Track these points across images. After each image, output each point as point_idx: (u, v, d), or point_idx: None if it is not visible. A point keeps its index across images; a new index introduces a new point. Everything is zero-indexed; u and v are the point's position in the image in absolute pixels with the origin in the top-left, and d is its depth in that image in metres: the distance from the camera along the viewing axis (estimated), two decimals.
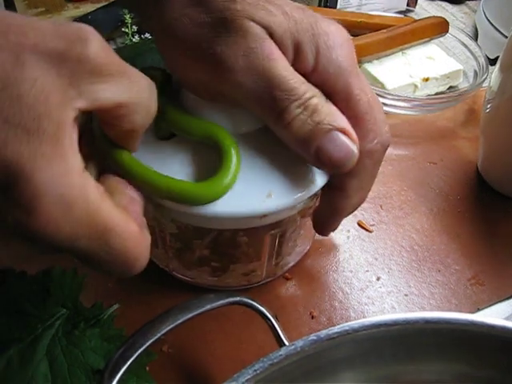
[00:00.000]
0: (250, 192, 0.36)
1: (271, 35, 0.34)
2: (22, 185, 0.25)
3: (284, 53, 0.34)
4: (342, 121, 0.34)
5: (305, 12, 0.35)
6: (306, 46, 0.34)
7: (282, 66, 0.33)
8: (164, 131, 0.38)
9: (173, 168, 0.36)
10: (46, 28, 0.26)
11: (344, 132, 0.34)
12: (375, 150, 0.36)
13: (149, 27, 0.39)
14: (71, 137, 0.27)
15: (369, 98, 0.36)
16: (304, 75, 0.34)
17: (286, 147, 0.36)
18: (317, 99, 0.34)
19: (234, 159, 0.35)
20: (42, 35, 0.26)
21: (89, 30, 0.27)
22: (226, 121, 0.38)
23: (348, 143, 0.34)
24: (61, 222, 0.26)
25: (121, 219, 0.29)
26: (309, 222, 0.44)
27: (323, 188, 0.39)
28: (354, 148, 0.34)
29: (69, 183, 0.26)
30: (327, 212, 0.41)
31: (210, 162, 0.36)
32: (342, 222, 0.51)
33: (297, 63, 0.34)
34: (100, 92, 0.27)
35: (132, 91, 0.29)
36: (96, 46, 0.27)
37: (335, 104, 0.35)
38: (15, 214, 0.26)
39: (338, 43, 0.35)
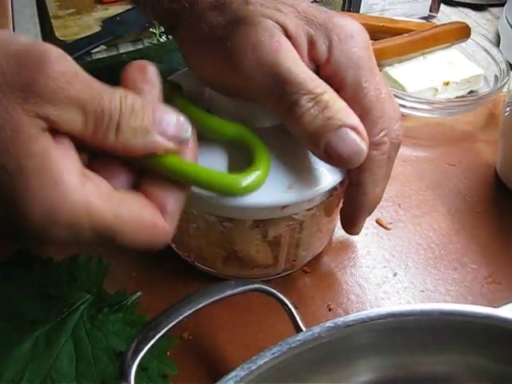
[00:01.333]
0: (272, 184, 0.38)
1: (284, 29, 0.35)
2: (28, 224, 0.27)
3: (297, 46, 0.35)
4: (353, 118, 0.35)
5: (318, 9, 0.36)
6: (318, 38, 0.35)
7: (291, 60, 0.34)
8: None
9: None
10: (6, 62, 0.27)
11: (354, 129, 0.34)
12: (382, 143, 0.37)
13: (172, 35, 0.40)
14: (57, 160, 0.27)
15: (379, 92, 0.36)
16: (318, 67, 0.36)
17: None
18: (328, 95, 0.34)
19: (266, 155, 0.36)
20: (2, 71, 0.27)
21: (52, 55, 0.28)
22: (246, 117, 0.39)
23: (357, 140, 0.34)
24: (67, 236, 0.28)
25: (130, 218, 0.30)
26: (328, 216, 0.45)
27: (343, 184, 0.41)
28: (363, 145, 0.34)
29: (67, 207, 0.27)
30: (349, 209, 0.42)
31: (239, 161, 0.37)
32: None
33: (310, 55, 0.35)
34: (66, 122, 0.28)
35: (98, 117, 0.29)
36: (58, 73, 0.27)
37: (345, 95, 0.35)
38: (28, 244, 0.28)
39: (350, 36, 0.36)
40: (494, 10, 0.87)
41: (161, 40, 0.70)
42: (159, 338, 0.35)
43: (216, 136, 0.38)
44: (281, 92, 0.34)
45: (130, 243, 0.30)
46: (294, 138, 0.38)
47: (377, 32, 0.69)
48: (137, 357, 0.33)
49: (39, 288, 0.42)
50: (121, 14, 0.77)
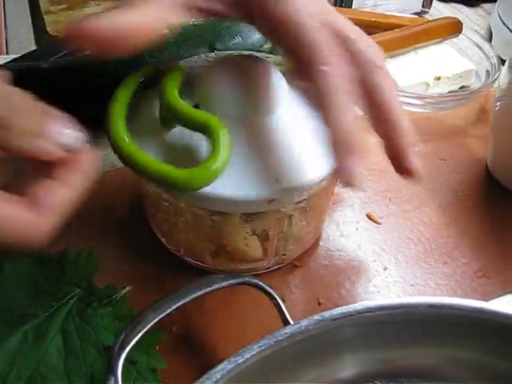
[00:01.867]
0: (259, 177, 0.38)
1: None
2: None
3: None
4: None
5: None
6: None
7: None
8: (168, 121, 0.39)
9: (172, 155, 0.38)
10: None
11: None
12: (326, 72, 0.35)
13: None
14: None
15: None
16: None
17: (295, 136, 0.38)
18: None
19: (224, 145, 0.35)
20: None
21: None
22: (235, 111, 0.39)
23: None
24: None
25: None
26: (317, 209, 0.45)
27: (331, 179, 0.41)
28: None
29: None
30: (338, 141, 0.36)
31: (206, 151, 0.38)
32: (352, 214, 0.52)
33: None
34: None
35: None
36: None
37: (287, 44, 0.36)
38: None
39: None
40: (487, 5, 0.87)
41: None
42: (148, 332, 0.35)
43: (183, 125, 0.38)
44: None
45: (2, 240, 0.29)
46: (282, 132, 0.38)
47: (369, 27, 0.69)
48: (124, 350, 0.33)
49: (28, 282, 0.42)
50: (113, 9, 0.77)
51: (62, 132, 0.30)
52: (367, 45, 0.38)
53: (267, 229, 0.42)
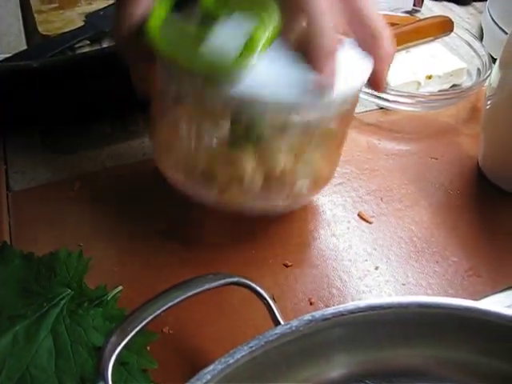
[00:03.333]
0: (294, 81, 0.38)
1: None
2: None
3: None
4: None
5: None
6: None
7: None
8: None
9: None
10: None
11: None
12: None
13: None
14: None
15: None
16: None
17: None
18: None
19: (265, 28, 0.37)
20: None
21: None
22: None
23: None
24: None
25: None
26: (334, 141, 0.46)
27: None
28: None
29: None
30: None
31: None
32: (343, 214, 0.52)
33: None
34: None
35: None
36: None
37: None
38: None
39: None
40: (478, 4, 0.87)
41: None
42: (139, 333, 0.34)
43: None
44: None
45: None
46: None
47: None
48: (114, 351, 0.33)
49: (19, 283, 0.42)
50: (104, 8, 0.77)
51: None
52: None
53: (275, 162, 0.42)
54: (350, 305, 0.34)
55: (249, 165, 0.42)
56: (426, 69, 0.66)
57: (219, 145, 0.43)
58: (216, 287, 0.37)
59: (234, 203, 0.46)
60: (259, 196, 0.45)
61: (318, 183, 0.48)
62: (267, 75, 0.38)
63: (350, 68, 0.41)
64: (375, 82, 0.44)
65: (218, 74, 0.37)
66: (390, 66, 0.44)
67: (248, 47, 0.36)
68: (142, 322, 0.34)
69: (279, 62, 0.39)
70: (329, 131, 0.44)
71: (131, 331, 0.34)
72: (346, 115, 0.45)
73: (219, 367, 0.31)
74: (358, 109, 0.64)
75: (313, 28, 0.38)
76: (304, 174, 0.45)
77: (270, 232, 0.51)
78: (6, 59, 0.66)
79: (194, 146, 0.44)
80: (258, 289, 0.38)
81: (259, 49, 0.36)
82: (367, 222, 0.53)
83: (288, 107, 0.40)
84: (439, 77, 0.66)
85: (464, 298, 0.46)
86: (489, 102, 0.54)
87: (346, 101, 0.43)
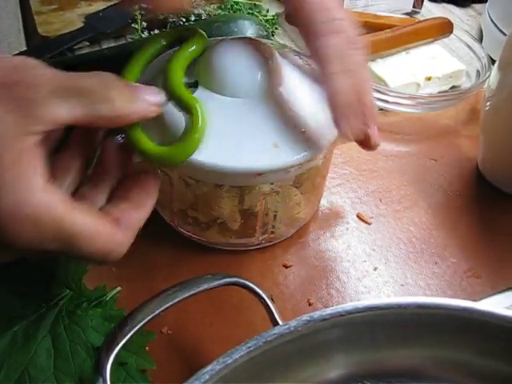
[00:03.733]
0: (250, 150, 0.39)
1: None
2: None
3: None
4: None
5: None
6: None
7: None
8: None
9: (163, 132, 0.39)
10: None
11: None
12: (340, 30, 0.38)
13: None
14: (31, 161, 0.30)
15: None
16: None
17: (290, 113, 0.40)
18: None
19: (198, 120, 0.38)
20: None
21: (31, 61, 0.31)
22: (235, 87, 0.41)
23: None
24: (30, 234, 0.30)
25: (89, 224, 0.32)
26: (308, 189, 0.46)
27: (323, 160, 0.43)
28: None
29: (33, 203, 0.30)
30: (328, 103, 0.39)
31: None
32: (342, 214, 0.52)
33: None
34: (52, 114, 0.30)
35: (83, 100, 0.32)
36: (40, 73, 0.31)
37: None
38: None
39: None
40: (477, 6, 0.87)
41: (143, 36, 0.70)
42: (137, 333, 0.35)
43: (176, 103, 0.39)
44: None
45: (87, 251, 0.32)
46: (277, 110, 0.41)
47: (360, 27, 0.69)
48: (112, 351, 0.33)
49: (18, 284, 0.42)
50: (104, 10, 0.77)
51: (151, 93, 0.35)
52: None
53: (255, 204, 0.43)
54: (349, 305, 0.34)
55: (228, 206, 0.44)
56: (426, 70, 0.66)
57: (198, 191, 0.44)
58: (215, 287, 0.37)
59: (215, 240, 0.48)
60: (238, 233, 0.47)
61: (298, 220, 0.49)
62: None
63: None
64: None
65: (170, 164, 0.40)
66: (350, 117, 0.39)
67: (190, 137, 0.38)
68: (140, 322, 0.35)
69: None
70: (310, 171, 0.44)
71: (130, 331, 0.34)
72: (318, 168, 0.46)
73: (217, 367, 0.31)
74: None
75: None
76: (283, 211, 0.46)
77: None
78: None
79: (173, 191, 0.45)
80: (257, 289, 0.38)
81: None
82: (366, 222, 0.53)
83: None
84: (438, 78, 0.66)
85: (463, 298, 0.46)
86: (488, 104, 0.54)
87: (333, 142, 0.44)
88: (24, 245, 0.31)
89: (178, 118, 0.39)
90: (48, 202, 0.31)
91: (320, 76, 0.38)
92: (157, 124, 0.39)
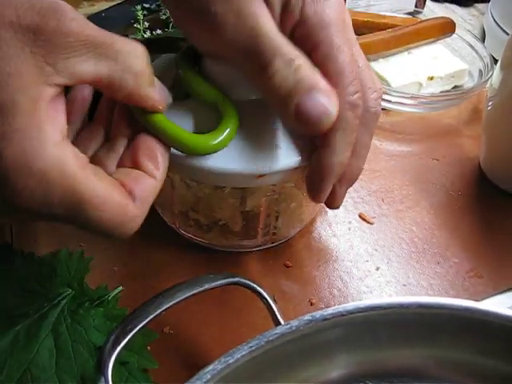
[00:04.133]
0: (252, 152, 0.39)
1: None
2: None
3: (271, 7, 0.35)
4: (324, 82, 0.35)
5: None
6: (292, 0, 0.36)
7: (269, 26, 0.35)
8: (179, 93, 0.40)
9: (183, 124, 0.38)
10: (21, 4, 0.28)
11: (323, 92, 0.34)
12: (355, 105, 0.36)
13: (165, 3, 0.41)
14: (48, 111, 0.28)
15: (352, 52, 0.37)
16: (292, 28, 0.36)
17: None
18: (302, 60, 0.35)
19: (233, 121, 0.38)
20: (16, 12, 0.27)
21: (63, 4, 0.29)
22: (236, 88, 0.40)
23: (326, 102, 0.34)
24: (35, 192, 0.28)
25: (101, 190, 0.30)
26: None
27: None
28: (332, 107, 0.34)
29: (43, 155, 0.28)
30: (316, 172, 0.39)
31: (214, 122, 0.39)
32: (344, 214, 0.52)
33: (284, 16, 0.36)
34: (77, 67, 0.29)
35: (111, 62, 0.30)
36: (70, 19, 0.28)
37: (319, 55, 0.36)
38: None
39: None
40: (480, 5, 0.87)
41: (145, 36, 0.70)
42: (139, 332, 0.35)
43: (199, 98, 0.40)
44: (257, 53, 0.34)
45: (96, 220, 0.30)
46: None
47: (362, 27, 0.69)
48: (114, 351, 0.33)
49: (20, 283, 0.42)
50: (106, 10, 0.77)
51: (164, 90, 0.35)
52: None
53: (256, 205, 0.43)
54: (350, 305, 0.34)
55: (230, 208, 0.44)
56: (428, 70, 0.66)
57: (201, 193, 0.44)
58: (217, 287, 0.37)
59: (216, 242, 0.48)
60: (240, 234, 0.47)
61: (300, 220, 0.49)
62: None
63: None
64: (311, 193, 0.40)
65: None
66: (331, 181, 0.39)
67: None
68: (142, 321, 0.34)
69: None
70: (297, 187, 0.44)
71: (131, 331, 0.34)
72: None
73: (219, 367, 0.31)
74: None
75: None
76: (285, 212, 0.46)
77: None
78: None
79: (174, 193, 0.45)
80: (259, 289, 0.38)
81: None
82: (368, 222, 0.53)
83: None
84: (441, 78, 0.66)
85: (465, 298, 0.46)
86: (490, 103, 0.54)
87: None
88: (26, 203, 0.28)
89: (202, 111, 0.39)
90: (61, 158, 0.28)
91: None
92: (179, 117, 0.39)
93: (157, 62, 0.44)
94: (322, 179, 0.39)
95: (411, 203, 0.55)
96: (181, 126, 0.37)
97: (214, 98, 0.39)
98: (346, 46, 0.36)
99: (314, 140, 0.39)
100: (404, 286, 0.48)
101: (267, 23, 0.35)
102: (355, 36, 0.38)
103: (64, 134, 0.29)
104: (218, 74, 0.40)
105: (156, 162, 0.35)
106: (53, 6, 0.28)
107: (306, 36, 0.36)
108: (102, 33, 0.30)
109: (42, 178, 0.28)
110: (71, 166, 0.29)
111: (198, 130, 0.38)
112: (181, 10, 0.37)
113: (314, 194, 0.40)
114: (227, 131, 0.37)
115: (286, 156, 0.40)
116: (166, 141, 0.36)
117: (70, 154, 0.29)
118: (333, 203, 0.42)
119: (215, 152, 0.37)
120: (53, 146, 0.28)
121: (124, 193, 0.32)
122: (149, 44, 0.40)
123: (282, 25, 0.36)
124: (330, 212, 0.53)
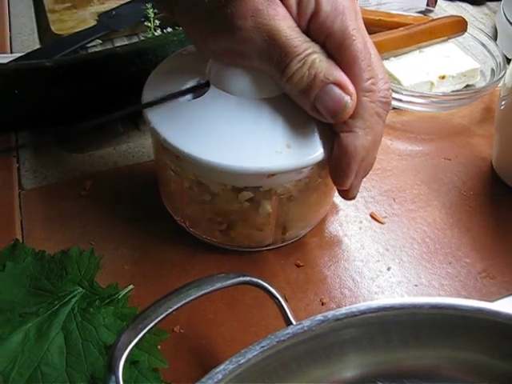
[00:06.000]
0: (262, 151, 0.39)
1: None
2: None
3: (288, 7, 0.38)
4: (339, 73, 0.38)
5: None
6: None
7: (287, 26, 0.37)
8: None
9: None
10: None
11: (339, 84, 0.37)
12: (371, 90, 0.39)
13: (168, 11, 0.42)
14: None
15: (365, 40, 0.38)
16: (308, 20, 0.38)
17: (302, 113, 0.40)
18: (316, 55, 0.38)
19: None
20: None
21: None
22: (245, 88, 0.41)
23: (342, 94, 0.37)
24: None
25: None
26: (320, 190, 0.46)
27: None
28: (348, 99, 0.37)
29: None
30: (341, 157, 0.40)
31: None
32: (355, 214, 0.52)
33: (300, 9, 0.38)
34: None
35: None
36: None
37: (333, 43, 0.38)
38: None
39: None
40: (492, 4, 0.86)
41: (155, 34, 0.70)
42: (150, 332, 0.34)
43: None
44: (276, 54, 0.37)
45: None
46: (289, 110, 0.40)
47: (373, 26, 0.69)
48: (125, 350, 0.33)
49: (31, 281, 0.42)
50: (116, 8, 0.77)
51: None
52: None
53: (267, 205, 0.43)
54: (363, 305, 0.33)
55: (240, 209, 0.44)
56: (440, 69, 0.65)
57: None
58: (228, 286, 0.37)
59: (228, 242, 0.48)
60: (250, 234, 0.47)
61: (311, 220, 0.49)
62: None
63: None
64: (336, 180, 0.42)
65: None
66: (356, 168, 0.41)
67: None
68: (153, 320, 0.34)
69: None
70: (323, 171, 0.44)
71: (142, 330, 0.34)
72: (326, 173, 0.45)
73: (230, 367, 0.31)
74: None
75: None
76: (296, 212, 0.46)
77: None
78: (19, 58, 0.66)
79: (185, 193, 0.45)
80: (270, 288, 0.37)
81: None
82: (379, 222, 0.52)
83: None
84: (453, 77, 0.65)
85: (477, 299, 0.46)
86: (503, 103, 0.54)
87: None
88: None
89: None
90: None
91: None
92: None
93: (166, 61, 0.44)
94: (347, 164, 0.40)
95: (423, 203, 0.54)
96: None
97: None
98: (359, 34, 0.38)
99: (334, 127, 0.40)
100: (416, 286, 0.47)
101: (284, 23, 0.37)
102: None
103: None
104: (226, 76, 0.41)
105: None
106: None
107: (320, 25, 0.38)
108: None
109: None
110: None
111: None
112: (196, 24, 0.39)
113: (340, 180, 0.41)
114: None
115: (297, 155, 0.40)
116: None
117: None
118: (349, 193, 0.43)
119: None
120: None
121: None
122: None
123: (298, 18, 0.38)
124: (341, 211, 0.53)
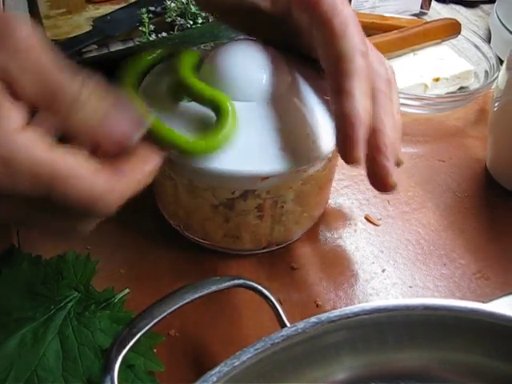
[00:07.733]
0: (255, 152, 0.39)
1: None
2: None
3: None
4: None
5: None
6: None
7: None
8: (178, 94, 0.41)
9: (182, 127, 0.39)
10: None
11: None
12: (364, 51, 0.37)
13: None
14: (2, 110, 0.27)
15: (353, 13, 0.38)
16: None
17: (295, 117, 0.40)
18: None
19: (230, 120, 0.38)
20: None
21: (16, 21, 0.29)
22: (239, 91, 0.41)
23: None
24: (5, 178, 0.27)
25: (71, 168, 0.29)
26: (313, 194, 0.46)
27: (330, 165, 0.43)
28: None
29: (8, 144, 0.27)
30: (344, 125, 0.36)
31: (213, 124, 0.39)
32: (350, 216, 0.52)
33: None
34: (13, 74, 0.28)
35: (38, 88, 0.29)
36: (17, 33, 0.28)
37: (322, 13, 0.37)
38: None
39: None
40: (486, 6, 0.87)
41: (150, 38, 0.70)
42: (145, 335, 0.35)
43: (199, 100, 0.40)
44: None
45: (65, 197, 0.29)
46: (283, 114, 0.41)
47: (367, 28, 0.69)
48: (120, 353, 0.33)
49: (27, 286, 0.42)
50: (111, 13, 0.77)
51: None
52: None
53: (261, 208, 0.43)
54: (356, 307, 0.33)
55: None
56: (434, 71, 0.66)
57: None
58: (222, 289, 0.37)
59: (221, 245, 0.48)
60: (244, 236, 0.47)
61: (305, 222, 0.49)
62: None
63: None
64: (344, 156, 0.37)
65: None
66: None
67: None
68: (148, 324, 0.35)
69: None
70: (316, 174, 0.44)
71: (138, 333, 0.34)
72: (323, 174, 0.46)
73: (225, 369, 0.31)
74: None
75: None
76: (289, 214, 0.46)
77: None
78: None
79: (179, 197, 0.45)
80: (265, 291, 0.38)
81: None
82: (374, 224, 0.52)
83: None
84: (446, 79, 0.66)
85: (472, 300, 0.46)
86: (496, 104, 0.54)
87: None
88: None
89: (202, 113, 0.40)
90: (26, 142, 0.28)
91: (333, 91, 0.37)
92: (179, 121, 0.40)
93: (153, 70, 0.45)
94: (352, 129, 0.36)
95: (417, 205, 0.55)
96: (178, 128, 0.38)
97: (214, 100, 0.39)
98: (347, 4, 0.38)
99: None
100: (410, 287, 0.47)
101: None
102: None
103: (24, 121, 0.28)
104: (219, 77, 0.41)
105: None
106: (8, 20, 0.29)
107: None
108: (51, 61, 0.30)
109: (7, 162, 0.27)
110: (38, 147, 0.28)
111: (196, 132, 0.39)
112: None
113: (348, 151, 0.36)
114: (223, 132, 0.38)
115: (290, 158, 0.40)
116: (160, 143, 0.36)
117: (33, 138, 0.28)
118: (387, 178, 0.39)
119: (211, 153, 0.38)
120: (16, 134, 0.27)
121: (94, 169, 0.30)
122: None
123: None
124: (336, 214, 0.53)
